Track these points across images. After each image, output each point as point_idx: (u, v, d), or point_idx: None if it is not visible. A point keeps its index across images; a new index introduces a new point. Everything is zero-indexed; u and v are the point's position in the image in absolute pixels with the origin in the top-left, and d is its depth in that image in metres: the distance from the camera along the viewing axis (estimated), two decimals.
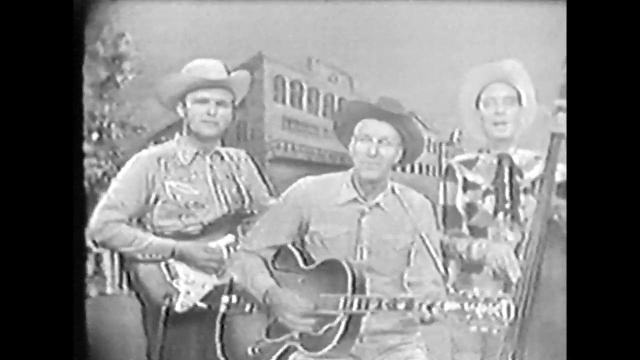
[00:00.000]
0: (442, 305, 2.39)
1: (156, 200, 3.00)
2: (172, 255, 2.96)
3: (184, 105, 3.05)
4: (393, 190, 2.75)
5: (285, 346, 2.64)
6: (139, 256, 2.96)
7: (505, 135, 2.96)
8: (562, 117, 2.79)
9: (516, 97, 2.96)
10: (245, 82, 3.16)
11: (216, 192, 3.07)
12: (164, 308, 2.90)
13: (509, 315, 2.30)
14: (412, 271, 2.74)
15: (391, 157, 2.69)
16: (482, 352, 2.81)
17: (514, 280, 2.72)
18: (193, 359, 2.95)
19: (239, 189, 3.12)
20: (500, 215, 2.93)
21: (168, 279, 2.96)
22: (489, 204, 2.97)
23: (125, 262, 3.02)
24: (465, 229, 2.97)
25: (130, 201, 2.98)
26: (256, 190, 3.18)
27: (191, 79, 3.03)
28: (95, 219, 2.95)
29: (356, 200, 2.73)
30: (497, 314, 2.30)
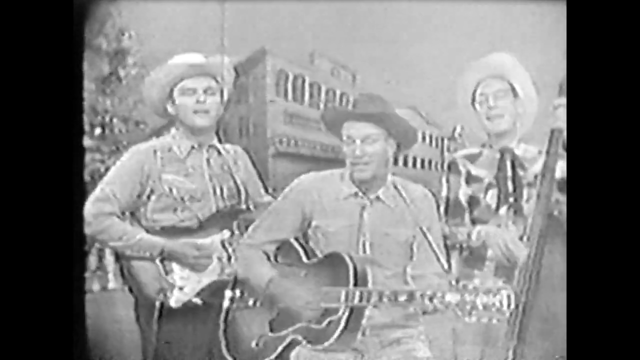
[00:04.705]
0: (442, 296, 2.40)
1: (151, 193, 2.99)
2: (161, 253, 2.93)
3: (173, 102, 3.05)
4: (395, 185, 2.76)
5: (288, 340, 2.65)
6: (127, 252, 2.95)
7: (502, 129, 2.96)
8: (562, 112, 2.79)
9: (510, 90, 2.96)
10: (227, 67, 3.12)
11: (212, 186, 3.05)
12: (158, 303, 2.90)
13: (509, 305, 2.31)
14: (415, 264, 2.75)
15: (380, 153, 2.69)
16: (483, 345, 2.82)
17: (522, 259, 2.73)
18: (188, 354, 2.95)
19: (235, 184, 3.11)
20: (503, 209, 2.94)
21: (163, 274, 2.96)
22: (491, 197, 2.97)
23: (120, 256, 3.00)
24: (467, 221, 2.98)
25: (123, 194, 2.96)
26: (252, 186, 3.17)
27: (173, 69, 3.02)
28: (86, 211, 2.90)
29: (357, 194, 2.74)
30: (498, 304, 2.31)
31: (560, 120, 2.80)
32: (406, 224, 2.74)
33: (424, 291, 2.45)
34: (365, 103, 2.69)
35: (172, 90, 3.04)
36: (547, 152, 2.84)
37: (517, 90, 2.96)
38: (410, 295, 2.47)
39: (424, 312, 2.53)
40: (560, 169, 2.81)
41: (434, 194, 2.86)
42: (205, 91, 3.02)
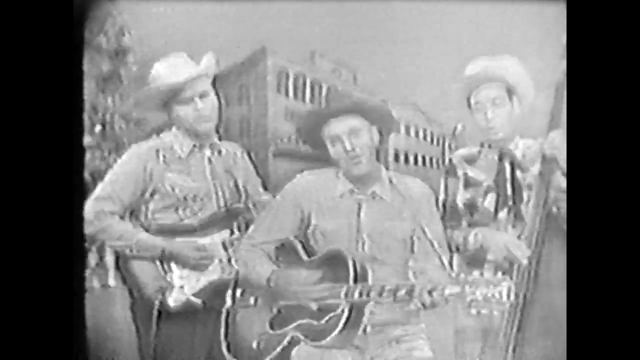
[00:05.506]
0: (442, 290, 2.40)
1: (153, 193, 2.98)
2: (162, 254, 2.93)
3: (170, 110, 3.02)
4: (390, 180, 2.76)
5: (288, 337, 2.66)
6: (127, 252, 2.94)
7: (498, 138, 2.94)
8: (556, 140, 2.78)
9: (506, 95, 2.92)
10: (213, 63, 3.08)
11: (214, 185, 3.05)
12: (157, 302, 2.90)
13: (509, 297, 2.31)
14: (416, 259, 2.75)
15: (369, 142, 2.70)
16: (483, 342, 2.82)
17: (524, 261, 2.73)
18: (187, 355, 2.94)
19: (236, 183, 3.11)
20: (503, 212, 2.93)
21: (162, 273, 2.95)
22: (490, 201, 2.96)
23: (119, 256, 3.00)
24: (464, 226, 2.97)
25: (125, 193, 2.95)
26: (251, 185, 3.17)
27: (167, 87, 2.98)
28: (86, 210, 2.89)
29: (353, 191, 2.74)
30: (497, 296, 2.31)
31: (556, 149, 2.78)
32: (404, 218, 2.74)
33: (424, 285, 2.45)
34: (338, 99, 2.71)
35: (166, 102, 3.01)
36: (543, 157, 2.83)
37: (513, 92, 2.94)
38: (411, 290, 2.48)
39: (423, 305, 2.53)
40: (560, 167, 2.81)
41: (432, 189, 2.86)
42: (201, 96, 2.98)
